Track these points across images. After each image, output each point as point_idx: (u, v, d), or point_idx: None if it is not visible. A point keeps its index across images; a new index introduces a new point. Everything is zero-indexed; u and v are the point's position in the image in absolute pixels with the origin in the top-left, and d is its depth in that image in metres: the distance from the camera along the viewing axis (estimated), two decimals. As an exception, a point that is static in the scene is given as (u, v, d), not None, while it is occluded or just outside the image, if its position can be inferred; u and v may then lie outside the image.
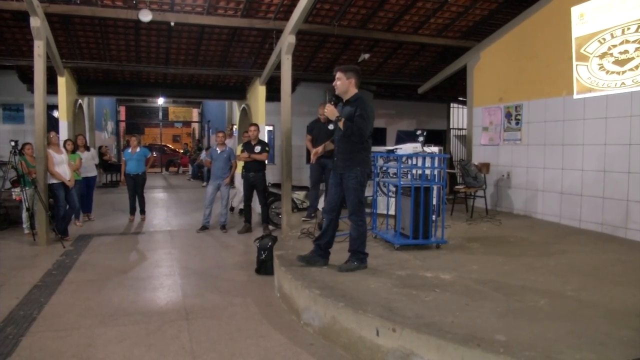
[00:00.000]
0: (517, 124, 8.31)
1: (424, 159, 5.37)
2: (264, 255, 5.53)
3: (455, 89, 13.77)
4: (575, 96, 7.04)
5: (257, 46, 9.38)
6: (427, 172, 5.42)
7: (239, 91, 12.25)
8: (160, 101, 20.61)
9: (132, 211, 9.00)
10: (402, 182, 5.26)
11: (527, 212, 8.01)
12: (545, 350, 2.64)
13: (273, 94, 10.86)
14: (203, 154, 17.15)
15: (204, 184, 15.63)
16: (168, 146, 26.79)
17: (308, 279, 4.07)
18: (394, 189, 6.31)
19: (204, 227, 8.19)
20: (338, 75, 4.32)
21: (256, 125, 8.35)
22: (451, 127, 17.04)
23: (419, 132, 5.56)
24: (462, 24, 8.85)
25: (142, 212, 9.13)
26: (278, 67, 9.32)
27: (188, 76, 11.26)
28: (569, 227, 7.00)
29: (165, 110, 24.88)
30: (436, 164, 5.64)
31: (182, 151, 24.57)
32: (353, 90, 4.34)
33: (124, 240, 7.49)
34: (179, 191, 14.35)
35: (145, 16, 7.10)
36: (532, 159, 7.95)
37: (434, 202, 5.44)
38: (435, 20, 8.69)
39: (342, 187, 4.41)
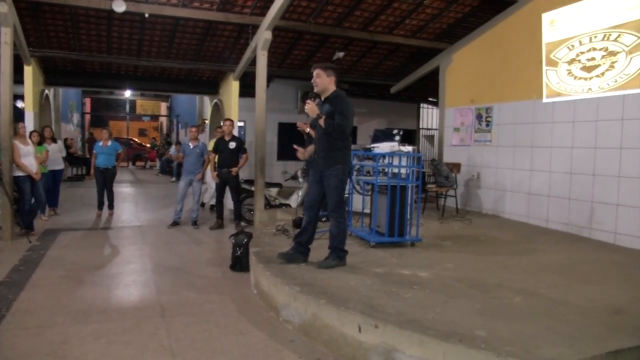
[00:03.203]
0: (487, 125, 8.51)
1: (399, 157, 5.44)
2: (239, 252, 5.48)
3: (426, 90, 13.96)
4: (545, 100, 7.26)
5: (232, 41, 9.28)
6: (403, 171, 5.49)
7: (212, 86, 12.09)
8: (128, 94, 20.13)
9: (100, 206, 8.76)
10: (378, 181, 5.31)
11: (496, 211, 8.22)
12: (525, 346, 2.72)
13: (245, 90, 10.77)
14: (172, 149, 16.86)
15: (173, 179, 15.39)
16: (134, 140, 26.18)
17: (287, 276, 4.06)
18: (368, 187, 6.37)
19: (175, 223, 8.07)
20: (317, 72, 4.32)
21: (231, 120, 8.28)
22: (421, 127, 17.29)
23: (395, 131, 5.63)
24: (435, 26, 8.99)
25: (111, 207, 8.92)
26: (253, 62, 9.25)
27: (160, 69, 11.02)
28: (536, 226, 7.21)
29: (133, 103, 24.32)
30: (411, 164, 5.72)
31: (149, 145, 24.08)
32: (332, 88, 4.36)
33: (92, 236, 7.30)
34: (147, 186, 14.05)
35: (119, 7, 6.92)
36: (502, 160, 8.15)
37: (409, 200, 5.51)
38: (410, 22, 8.80)
39: (321, 185, 4.43)
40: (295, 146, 5.39)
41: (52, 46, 9.00)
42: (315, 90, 4.38)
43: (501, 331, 2.94)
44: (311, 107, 4.24)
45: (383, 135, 5.82)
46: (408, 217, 5.45)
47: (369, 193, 6.48)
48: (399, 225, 5.30)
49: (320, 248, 4.70)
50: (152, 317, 3.94)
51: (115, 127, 32.19)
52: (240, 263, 5.47)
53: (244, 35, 8.84)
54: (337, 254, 4.43)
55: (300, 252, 4.52)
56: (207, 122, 14.43)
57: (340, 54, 9.83)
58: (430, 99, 16.12)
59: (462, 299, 3.58)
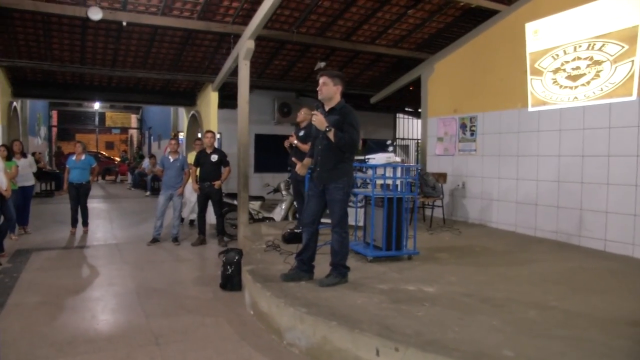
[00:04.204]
0: (472, 135, 8.50)
1: (394, 169, 5.31)
2: (230, 270, 5.22)
3: (403, 100, 13.96)
4: (530, 109, 7.28)
5: (212, 51, 9.03)
6: (398, 182, 5.36)
7: (189, 97, 11.75)
8: (97, 106, 19.51)
9: (74, 223, 8.33)
10: (375, 193, 5.15)
11: (483, 221, 8.19)
12: (557, 366, 2.59)
13: (222, 101, 10.55)
14: (146, 162, 16.40)
15: (147, 193, 14.95)
16: (102, 153, 25.40)
17: (290, 296, 3.85)
18: (360, 200, 6.21)
19: (155, 240, 7.73)
20: (324, 80, 4.14)
21: (212, 132, 8.02)
22: (397, 137, 17.30)
23: (389, 142, 5.51)
24: (417, 36, 8.97)
25: (85, 224, 8.49)
26: (232, 73, 9.04)
27: (135, 80, 10.63)
28: (525, 235, 7.19)
29: (102, 116, 23.53)
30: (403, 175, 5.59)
31: (118, 159, 23.41)
32: (338, 98, 4.19)
33: (68, 256, 6.89)
34: (121, 201, 13.55)
35: (95, 14, 6.60)
36: (487, 169, 8.14)
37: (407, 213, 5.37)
38: (393, 31, 8.76)
39: (322, 199, 4.24)
40: (294, 159, 5.18)
41: (22, 56, 8.54)
42: (320, 97, 4.20)
43: (528, 349, 2.81)
44: (319, 119, 4.02)
45: (376, 146, 5.69)
46: (406, 229, 5.31)
47: (360, 205, 6.33)
48: (396, 239, 5.16)
49: (317, 264, 4.50)
50: (145, 345, 3.65)
51: (83, 140, 31.23)
52: (231, 282, 5.21)
53: (224, 44, 8.61)
54: (339, 271, 4.24)
55: (304, 270, 4.31)
56: (182, 134, 14.08)
57: (322, 64, 9.70)
58: (407, 109, 16.18)
59: (476, 315, 3.44)
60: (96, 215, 10.42)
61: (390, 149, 5.52)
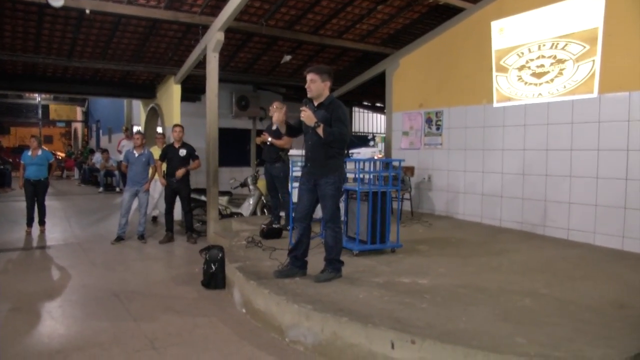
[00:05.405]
0: (437, 129, 8.71)
1: (381, 163, 5.37)
2: (214, 268, 5.11)
3: (361, 94, 14.03)
4: (495, 105, 7.54)
5: (176, 42, 8.71)
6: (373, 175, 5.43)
7: (148, 89, 11.27)
8: (39, 98, 18.35)
9: (30, 222, 7.86)
10: (360, 187, 5.19)
11: (449, 213, 8.43)
12: (569, 350, 2.73)
13: (184, 94, 10.21)
14: (97, 157, 15.70)
15: (100, 189, 14.34)
16: (44, 148, 23.98)
17: (290, 293, 3.81)
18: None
19: (120, 238, 7.43)
20: (312, 77, 4.11)
21: (181, 126, 7.77)
22: (354, 131, 17.46)
23: (370, 137, 5.56)
24: (384, 31, 9.05)
25: (42, 222, 8.03)
26: (197, 65, 8.79)
27: (93, 71, 10.07)
28: (491, 226, 7.46)
29: (46, 108, 22.14)
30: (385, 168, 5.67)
31: (62, 154, 22.23)
32: (327, 93, 4.18)
33: (29, 257, 6.52)
34: (73, 198, 12.91)
35: (57, 1, 6.19)
36: (453, 163, 8.37)
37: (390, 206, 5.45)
38: (360, 26, 8.79)
39: (314, 194, 4.23)
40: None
41: (-32, 43, 7.92)
42: (309, 95, 4.17)
43: (537, 336, 2.93)
44: (308, 114, 4.00)
45: (358, 141, 5.72)
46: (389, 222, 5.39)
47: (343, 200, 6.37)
48: (380, 232, 5.23)
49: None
50: (142, 350, 3.50)
51: (19, 134, 29.61)
52: (215, 280, 5.10)
53: (190, 35, 8.34)
54: (334, 266, 4.25)
55: (297, 266, 4.29)
56: (136, 128, 13.56)
57: (288, 58, 9.62)
58: (365, 103, 16.35)
59: (478, 306, 3.54)
60: (50, 213, 9.79)
61: (372, 143, 5.57)
